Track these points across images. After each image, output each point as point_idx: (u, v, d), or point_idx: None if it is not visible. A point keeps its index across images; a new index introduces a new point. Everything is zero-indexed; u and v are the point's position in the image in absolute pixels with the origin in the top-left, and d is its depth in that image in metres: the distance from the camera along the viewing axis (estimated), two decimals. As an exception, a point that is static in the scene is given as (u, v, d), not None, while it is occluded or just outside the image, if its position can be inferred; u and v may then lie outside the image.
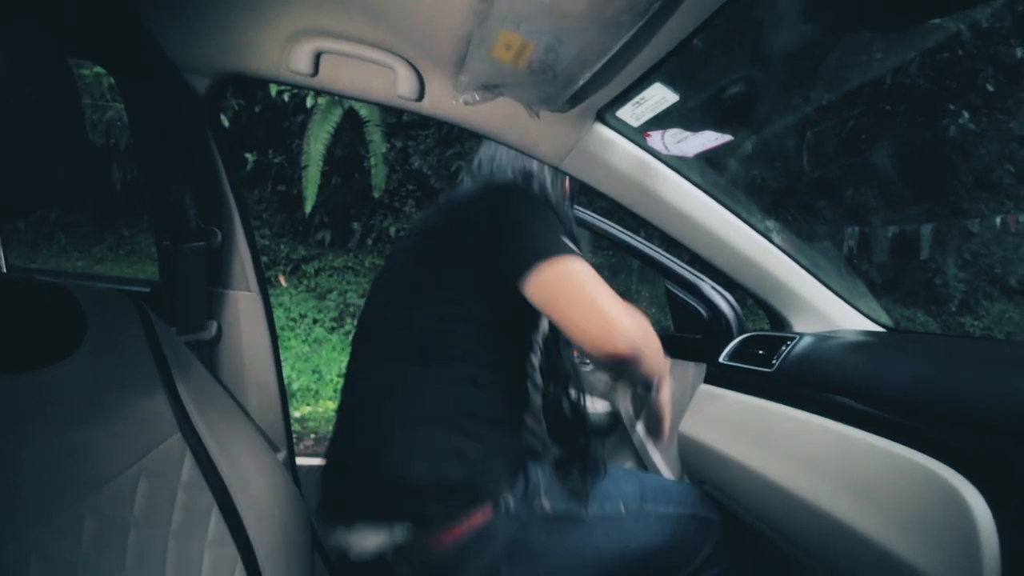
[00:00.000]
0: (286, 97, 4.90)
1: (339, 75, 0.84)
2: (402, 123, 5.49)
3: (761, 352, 0.97)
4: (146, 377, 0.72)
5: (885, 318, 1.12)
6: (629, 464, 1.37)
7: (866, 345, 0.94)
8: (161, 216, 0.94)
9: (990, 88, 4.94)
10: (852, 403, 0.78)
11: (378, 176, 5.11)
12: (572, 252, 0.75)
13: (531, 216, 0.80)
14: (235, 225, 0.95)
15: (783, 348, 0.94)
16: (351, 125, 5.16)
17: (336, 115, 4.94)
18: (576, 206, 1.43)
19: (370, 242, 5.61)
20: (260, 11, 0.75)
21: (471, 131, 0.94)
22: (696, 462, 1.01)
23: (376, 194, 5.24)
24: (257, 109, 5.19)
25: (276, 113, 5.25)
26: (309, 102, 4.87)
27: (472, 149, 5.51)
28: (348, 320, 5.02)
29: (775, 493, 0.82)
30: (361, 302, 5.17)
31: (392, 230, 5.48)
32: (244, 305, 1.00)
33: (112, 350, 0.69)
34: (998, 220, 5.27)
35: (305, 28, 0.77)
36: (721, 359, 1.05)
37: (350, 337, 4.82)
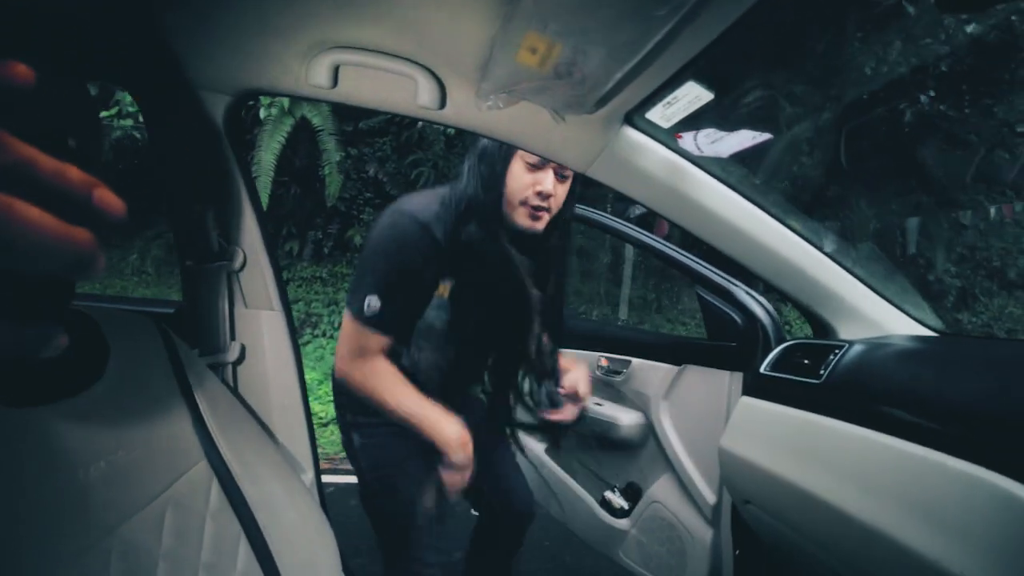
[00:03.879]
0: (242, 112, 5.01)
1: (359, 87, 0.82)
2: (359, 131, 5.54)
3: (807, 362, 0.92)
4: (170, 403, 0.70)
5: (935, 321, 1.05)
6: (665, 478, 1.32)
7: (920, 352, 0.88)
8: (184, 236, 0.93)
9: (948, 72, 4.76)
10: (911, 416, 0.73)
11: (332, 185, 5.19)
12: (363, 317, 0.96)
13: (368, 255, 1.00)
14: (257, 244, 0.94)
15: (831, 357, 0.88)
16: (309, 135, 5.21)
17: (287, 125, 4.99)
18: (597, 210, 1.40)
19: (326, 251, 5.66)
20: (278, 26, 0.74)
21: (495, 138, 0.91)
22: (739, 480, 0.96)
23: (329, 203, 5.31)
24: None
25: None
26: (262, 114, 4.91)
27: (438, 155, 5.52)
28: (307, 330, 5.03)
29: (829, 514, 0.76)
30: (325, 311, 5.22)
31: (357, 239, 5.52)
32: (267, 324, 0.98)
33: (136, 376, 0.67)
34: (992, 211, 5.04)
35: (323, 41, 0.75)
36: (762, 369, 1.00)
37: (307, 347, 4.69)
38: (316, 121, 5.06)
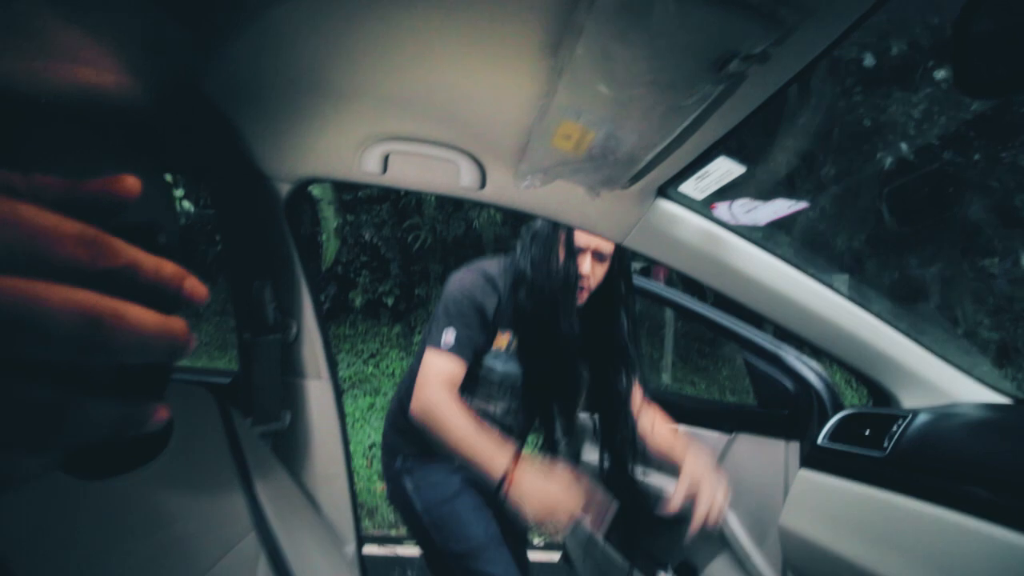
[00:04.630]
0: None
1: (406, 172, 0.88)
2: (358, 198, 5.90)
3: (868, 432, 0.87)
4: (225, 474, 0.73)
5: (1009, 387, 0.98)
6: (722, 558, 1.23)
7: (995, 421, 0.82)
8: (244, 310, 1.00)
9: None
10: (988, 493, 0.67)
11: (330, 250, 5.54)
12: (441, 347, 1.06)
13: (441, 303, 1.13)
14: (310, 316, 0.99)
15: (894, 428, 0.83)
16: (310, 204, 5.59)
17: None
18: (641, 276, 1.40)
19: (324, 312, 5.91)
20: (335, 121, 0.82)
21: (533, 214, 0.95)
22: (803, 562, 0.88)
23: (324, 267, 5.64)
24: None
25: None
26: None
27: (435, 219, 5.71)
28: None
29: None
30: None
31: (358, 301, 5.79)
32: (315, 393, 1.02)
33: (194, 449, 0.70)
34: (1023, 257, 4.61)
35: (375, 134, 0.83)
36: (820, 440, 0.95)
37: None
38: (316, 192, 5.47)
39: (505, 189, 0.87)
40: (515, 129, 0.74)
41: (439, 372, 1.04)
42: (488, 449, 0.94)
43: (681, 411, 1.37)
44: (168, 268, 0.21)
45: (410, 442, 1.20)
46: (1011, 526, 0.62)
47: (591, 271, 1.10)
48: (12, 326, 0.17)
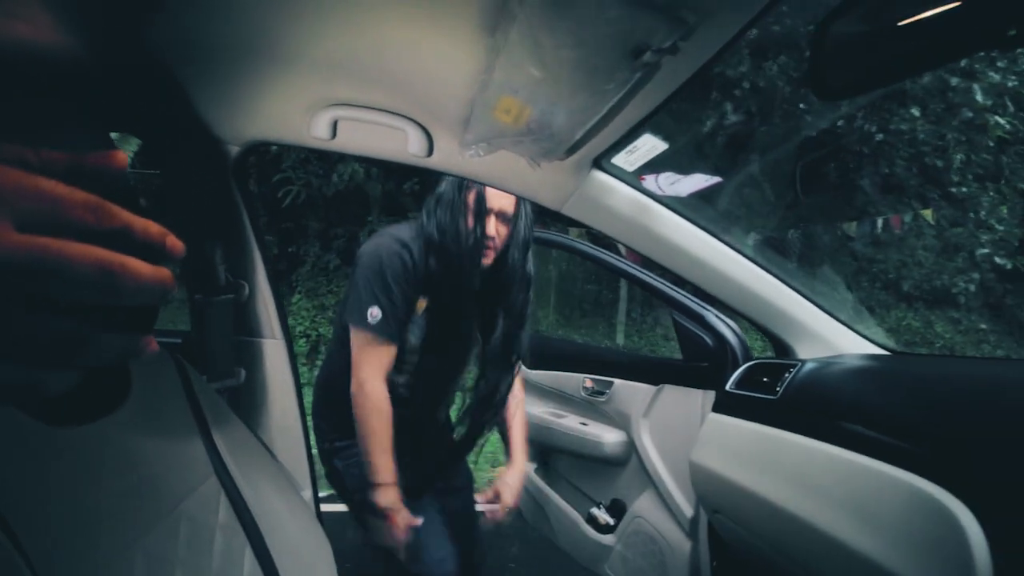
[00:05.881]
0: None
1: (355, 138, 0.91)
2: None
3: (766, 379, 1.00)
4: (184, 425, 0.78)
5: (887, 340, 1.14)
6: (647, 494, 1.38)
7: (868, 370, 0.96)
8: (193, 271, 1.01)
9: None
10: (853, 428, 0.80)
11: None
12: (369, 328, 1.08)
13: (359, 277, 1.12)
14: (261, 277, 1.02)
15: (786, 375, 0.96)
16: None
17: (134, 145, 5.05)
18: (585, 242, 1.49)
19: (177, 271, 5.78)
20: (284, 85, 0.83)
21: (478, 181, 1.01)
22: (708, 491, 1.03)
23: None
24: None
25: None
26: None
27: (313, 173, 5.35)
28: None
29: (783, 520, 0.84)
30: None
31: None
32: (270, 351, 1.06)
33: (154, 402, 0.74)
34: (880, 223, 5.01)
35: (324, 98, 0.85)
36: (728, 387, 1.08)
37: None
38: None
39: (452, 157, 0.92)
40: (460, 100, 0.78)
41: (371, 356, 1.10)
42: (383, 459, 1.08)
43: (615, 366, 1.50)
44: (153, 227, 0.26)
45: (333, 427, 1.23)
46: (879, 457, 0.73)
47: (496, 231, 1.12)
48: (47, 273, 0.22)
